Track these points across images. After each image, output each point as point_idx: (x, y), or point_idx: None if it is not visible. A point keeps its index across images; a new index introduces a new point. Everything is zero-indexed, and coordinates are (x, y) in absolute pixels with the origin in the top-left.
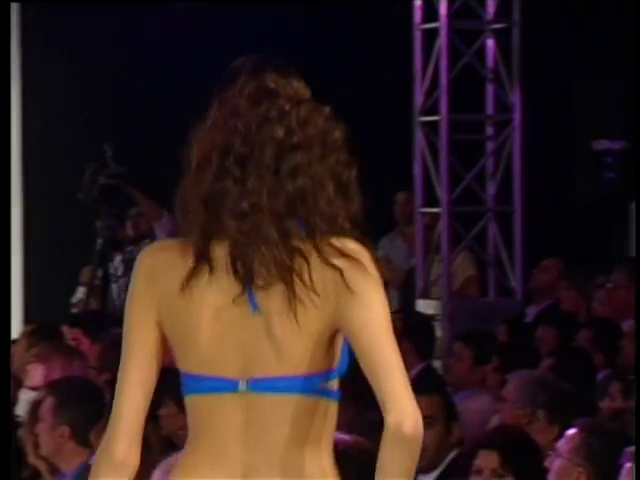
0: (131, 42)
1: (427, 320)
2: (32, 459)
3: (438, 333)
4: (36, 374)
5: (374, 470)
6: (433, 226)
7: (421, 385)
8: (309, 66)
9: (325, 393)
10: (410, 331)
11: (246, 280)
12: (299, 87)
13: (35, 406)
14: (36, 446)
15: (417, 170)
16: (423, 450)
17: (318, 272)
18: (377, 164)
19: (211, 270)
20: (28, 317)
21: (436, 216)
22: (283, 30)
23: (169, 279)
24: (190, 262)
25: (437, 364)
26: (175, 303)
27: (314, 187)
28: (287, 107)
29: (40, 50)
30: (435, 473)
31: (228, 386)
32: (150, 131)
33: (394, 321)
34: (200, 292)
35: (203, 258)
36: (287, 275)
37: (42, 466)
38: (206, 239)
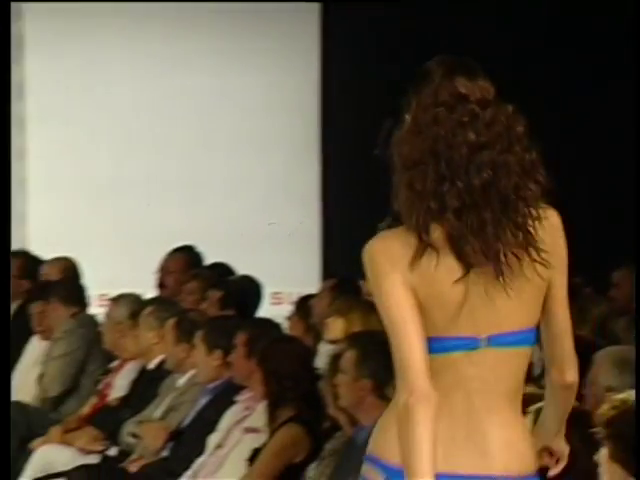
0: None
1: None
2: (332, 410)
3: None
4: (335, 327)
5: None
6: None
7: None
8: (582, 36)
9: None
10: None
11: (489, 255)
12: (484, 87)
13: (335, 358)
14: (335, 398)
15: None
16: None
17: (542, 244)
18: None
19: (439, 250)
20: (328, 272)
21: None
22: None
23: (410, 259)
24: (422, 245)
25: None
26: (423, 276)
27: (497, 178)
28: (476, 110)
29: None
30: None
31: (469, 344)
32: None
33: None
34: (443, 267)
35: (428, 241)
36: (521, 248)
37: (342, 418)
38: (427, 227)
